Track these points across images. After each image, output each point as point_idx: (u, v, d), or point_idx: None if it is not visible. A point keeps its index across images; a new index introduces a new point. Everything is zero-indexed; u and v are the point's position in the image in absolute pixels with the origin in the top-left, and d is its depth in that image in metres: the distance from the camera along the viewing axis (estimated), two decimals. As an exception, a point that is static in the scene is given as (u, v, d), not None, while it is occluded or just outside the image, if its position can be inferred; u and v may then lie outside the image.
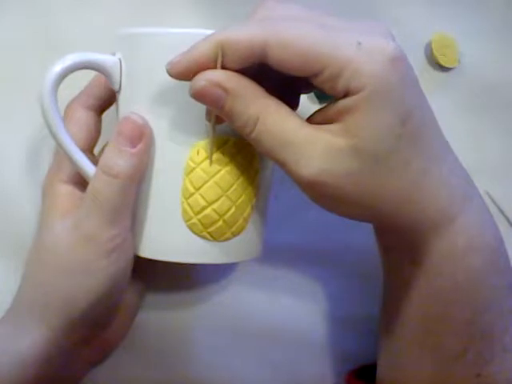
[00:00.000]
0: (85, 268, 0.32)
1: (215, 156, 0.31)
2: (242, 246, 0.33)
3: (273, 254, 0.42)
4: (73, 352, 0.34)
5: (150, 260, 0.39)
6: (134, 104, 0.32)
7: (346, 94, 0.27)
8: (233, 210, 0.32)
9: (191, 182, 0.31)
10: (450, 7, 0.45)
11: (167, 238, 0.32)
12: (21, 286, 0.34)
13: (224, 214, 0.31)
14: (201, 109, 0.30)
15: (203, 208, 0.31)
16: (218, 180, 0.31)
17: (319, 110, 0.29)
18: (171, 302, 0.41)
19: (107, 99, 0.35)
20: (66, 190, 0.34)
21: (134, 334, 0.40)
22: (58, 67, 0.31)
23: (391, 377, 0.35)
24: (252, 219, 0.33)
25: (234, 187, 0.31)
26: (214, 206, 0.31)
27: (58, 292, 0.32)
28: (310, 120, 0.29)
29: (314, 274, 0.43)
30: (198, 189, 0.31)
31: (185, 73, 0.28)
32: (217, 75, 0.27)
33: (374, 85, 0.26)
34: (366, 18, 0.44)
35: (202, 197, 0.31)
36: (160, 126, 0.31)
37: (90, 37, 0.39)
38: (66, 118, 0.35)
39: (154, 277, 0.40)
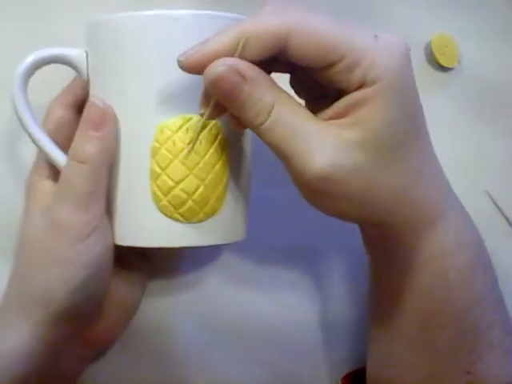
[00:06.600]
0: (58, 257, 0.31)
1: (178, 134, 0.31)
2: (218, 228, 0.32)
3: (272, 253, 0.42)
4: (61, 348, 0.34)
5: (150, 256, 0.39)
6: (99, 92, 0.32)
7: (360, 86, 0.27)
8: (201, 188, 0.31)
9: (157, 163, 0.31)
10: (450, 7, 0.45)
11: (140, 222, 0.32)
12: (8, 282, 0.34)
13: (193, 194, 0.31)
14: (161, 89, 0.30)
15: (171, 188, 0.31)
16: (182, 158, 0.31)
17: (326, 108, 0.29)
18: (170, 302, 0.41)
19: (86, 96, 0.35)
20: (47, 186, 0.34)
21: (134, 333, 0.40)
22: (26, 61, 0.32)
23: (383, 375, 0.35)
24: (227, 200, 0.32)
25: (200, 165, 0.31)
26: (182, 185, 0.31)
27: (35, 285, 0.32)
28: (318, 117, 0.29)
29: (314, 274, 0.43)
30: (164, 169, 0.31)
31: (199, 66, 0.27)
32: (236, 61, 0.27)
33: (390, 78, 0.27)
34: (366, 18, 0.44)
35: (169, 177, 0.31)
36: (124, 110, 0.32)
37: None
38: (46, 117, 0.35)
39: (155, 275, 0.40)
